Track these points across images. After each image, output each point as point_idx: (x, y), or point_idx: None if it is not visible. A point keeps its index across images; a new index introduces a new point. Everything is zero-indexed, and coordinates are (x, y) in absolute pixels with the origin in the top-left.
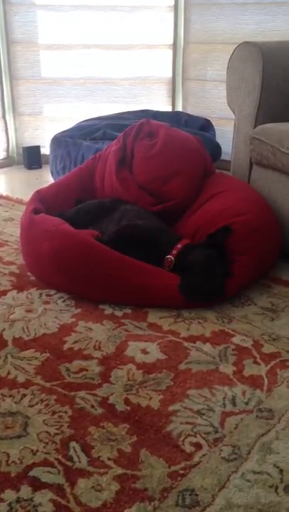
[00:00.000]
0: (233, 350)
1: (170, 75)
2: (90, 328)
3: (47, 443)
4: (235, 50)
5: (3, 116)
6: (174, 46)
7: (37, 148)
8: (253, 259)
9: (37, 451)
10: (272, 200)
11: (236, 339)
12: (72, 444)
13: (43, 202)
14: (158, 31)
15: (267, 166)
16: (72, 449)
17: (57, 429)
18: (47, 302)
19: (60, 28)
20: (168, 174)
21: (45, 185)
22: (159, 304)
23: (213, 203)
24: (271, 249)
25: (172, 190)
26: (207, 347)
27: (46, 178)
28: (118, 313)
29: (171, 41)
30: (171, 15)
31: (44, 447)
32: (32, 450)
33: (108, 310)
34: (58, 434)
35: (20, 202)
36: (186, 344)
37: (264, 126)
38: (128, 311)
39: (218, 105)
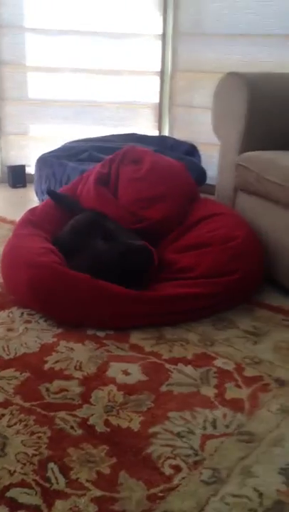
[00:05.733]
0: (215, 373)
1: (157, 100)
2: (72, 348)
3: (25, 464)
4: (221, 79)
5: None
6: (162, 73)
7: (22, 167)
8: (236, 281)
9: (14, 471)
10: (256, 226)
11: (218, 362)
12: (51, 465)
13: (34, 221)
14: (146, 58)
15: (251, 192)
16: (51, 470)
17: (35, 450)
18: (28, 321)
19: (49, 51)
20: (152, 197)
21: (29, 204)
22: (137, 323)
23: (202, 228)
24: (254, 273)
25: (154, 213)
26: (189, 369)
27: (30, 197)
28: (100, 333)
29: (158, 68)
30: (160, 43)
31: (22, 468)
32: (9, 471)
33: (90, 330)
34: (36, 455)
35: (3, 220)
36: (167, 366)
37: (249, 153)
38: (110, 332)
39: (204, 131)
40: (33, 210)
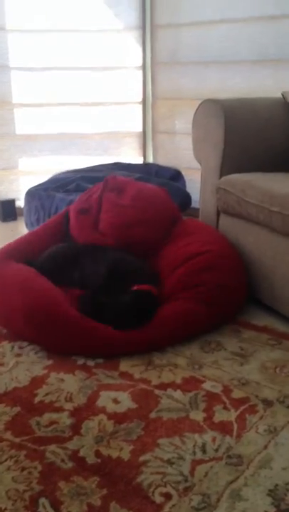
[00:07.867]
0: (204, 396)
1: (140, 128)
2: (62, 379)
3: (16, 500)
4: (198, 106)
5: None
6: (144, 102)
7: (12, 201)
8: (206, 293)
9: (5, 509)
10: (240, 246)
11: (206, 385)
12: (42, 500)
13: (15, 252)
14: (128, 89)
15: (233, 214)
16: (42, 506)
17: (26, 485)
18: (19, 355)
19: (34, 87)
20: (133, 223)
21: (20, 236)
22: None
23: (176, 245)
24: (235, 292)
25: (135, 237)
26: (178, 394)
27: (21, 229)
28: (90, 363)
29: (140, 98)
30: (140, 73)
31: (13, 505)
32: (0, 508)
33: (80, 360)
34: (27, 490)
35: None
36: (157, 392)
37: (229, 176)
38: (100, 360)
39: (187, 156)
40: (10, 243)
